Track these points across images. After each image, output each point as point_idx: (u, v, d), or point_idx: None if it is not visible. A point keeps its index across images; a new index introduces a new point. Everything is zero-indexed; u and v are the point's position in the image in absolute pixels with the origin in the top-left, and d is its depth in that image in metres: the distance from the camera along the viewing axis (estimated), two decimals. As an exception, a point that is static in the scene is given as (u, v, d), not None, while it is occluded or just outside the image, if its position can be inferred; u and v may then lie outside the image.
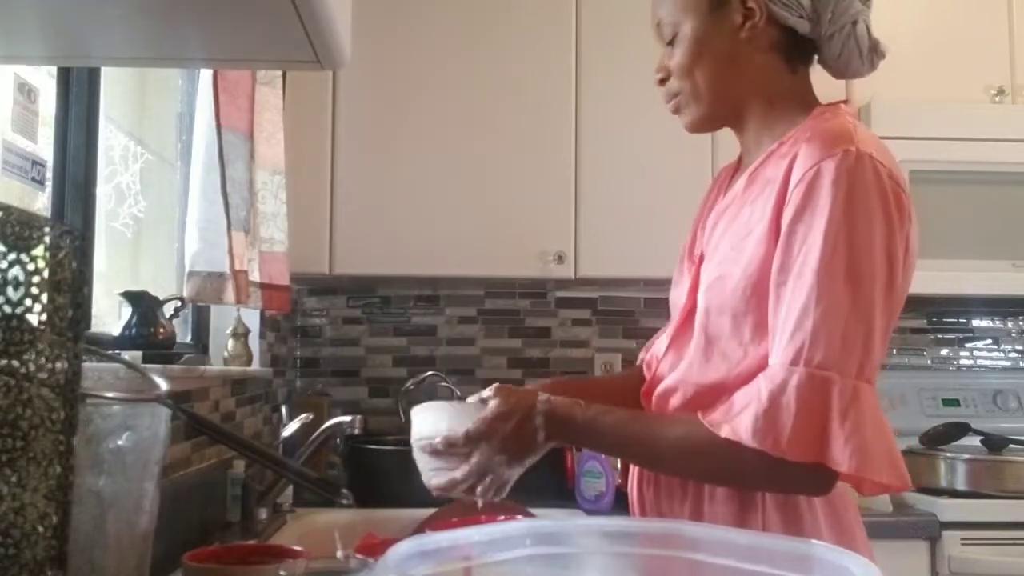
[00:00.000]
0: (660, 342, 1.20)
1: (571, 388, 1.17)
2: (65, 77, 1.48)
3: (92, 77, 1.54)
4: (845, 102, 1.10)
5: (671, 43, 1.13)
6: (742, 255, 1.04)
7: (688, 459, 1.02)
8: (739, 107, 1.13)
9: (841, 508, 1.06)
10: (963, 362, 2.82)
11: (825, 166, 0.96)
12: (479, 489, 1.05)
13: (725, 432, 0.96)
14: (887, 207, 0.96)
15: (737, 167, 1.20)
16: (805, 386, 0.93)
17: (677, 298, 1.19)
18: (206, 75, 1.71)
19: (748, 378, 1.01)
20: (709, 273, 1.09)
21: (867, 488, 0.97)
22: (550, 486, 2.15)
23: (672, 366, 1.13)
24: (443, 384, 2.57)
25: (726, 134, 1.18)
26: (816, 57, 1.13)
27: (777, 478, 0.97)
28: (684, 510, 1.09)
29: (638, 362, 1.31)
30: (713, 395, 1.04)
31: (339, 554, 1.43)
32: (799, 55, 1.11)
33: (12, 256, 0.73)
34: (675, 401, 1.11)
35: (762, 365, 1.00)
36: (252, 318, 2.10)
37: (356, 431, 2.12)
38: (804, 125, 1.06)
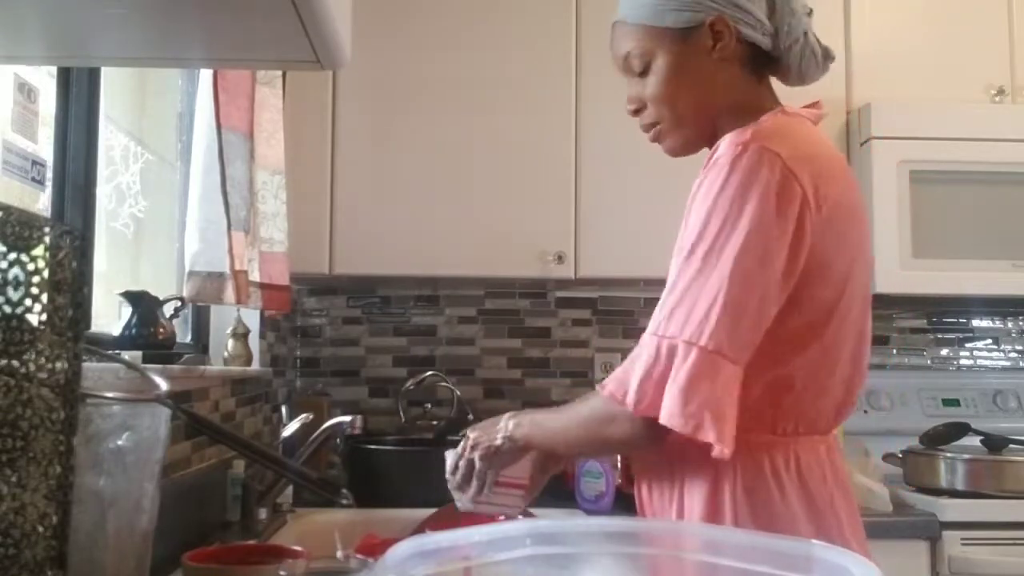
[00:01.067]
0: None
1: None
2: (65, 77, 1.48)
3: (92, 77, 1.53)
4: (814, 105, 1.18)
5: (642, 74, 1.19)
6: (679, 254, 1.10)
7: (585, 423, 1.13)
8: (717, 123, 1.18)
9: (817, 495, 1.07)
10: (963, 362, 2.82)
11: (721, 160, 1.04)
12: (472, 488, 1.25)
13: (606, 388, 1.08)
14: (766, 191, 1.01)
15: None
16: (653, 351, 1.03)
17: None
18: (206, 75, 1.71)
19: None
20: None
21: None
22: (550, 486, 2.14)
23: None
24: (443, 384, 2.57)
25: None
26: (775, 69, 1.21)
27: (620, 429, 1.07)
28: (672, 507, 1.12)
29: None
30: None
31: (339, 554, 1.44)
32: (762, 67, 1.19)
33: (12, 256, 0.73)
34: None
35: None
36: (252, 318, 2.10)
37: (356, 431, 2.12)
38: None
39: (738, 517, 1.05)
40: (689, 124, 1.18)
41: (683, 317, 1.01)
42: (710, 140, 1.18)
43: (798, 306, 1.05)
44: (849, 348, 1.11)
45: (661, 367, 1.01)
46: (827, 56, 1.19)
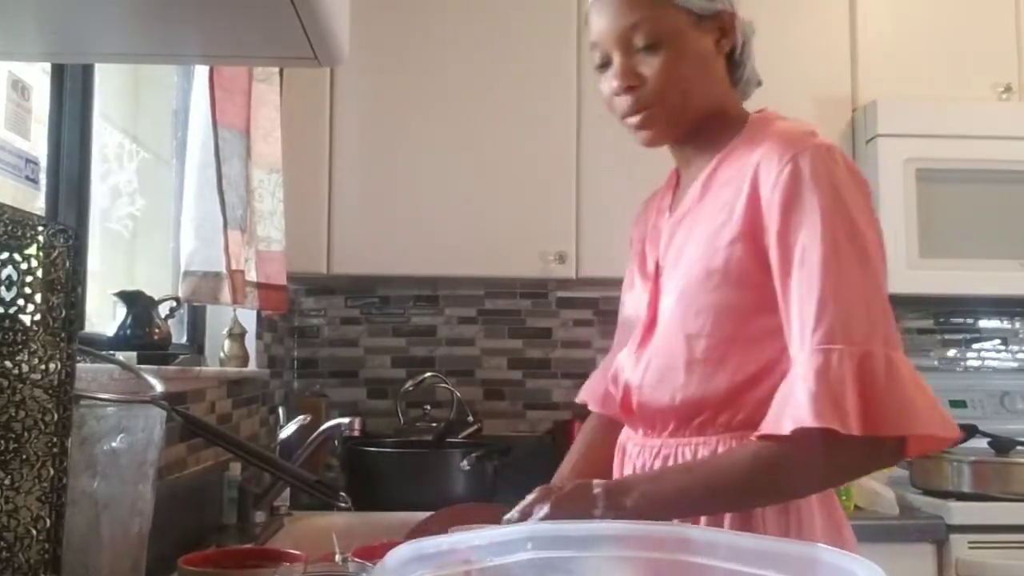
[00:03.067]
0: (622, 358, 1.20)
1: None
2: (59, 74, 1.46)
3: (86, 74, 1.52)
4: (762, 110, 1.17)
5: (645, 49, 1.10)
6: (714, 259, 1.06)
7: (758, 477, 0.98)
8: (703, 117, 1.14)
9: (834, 504, 1.09)
10: (970, 363, 2.80)
11: (801, 161, 1.01)
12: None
13: (787, 426, 0.93)
14: (863, 190, 1.03)
15: (677, 185, 1.23)
16: (849, 363, 0.93)
17: (635, 313, 1.21)
18: (202, 71, 1.69)
19: (745, 377, 1.04)
20: (676, 283, 1.11)
21: (913, 448, 0.97)
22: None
23: (642, 377, 1.13)
24: (442, 385, 2.56)
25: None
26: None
27: (850, 458, 0.95)
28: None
29: (581, 399, 1.38)
30: (704, 402, 1.06)
31: (337, 557, 1.42)
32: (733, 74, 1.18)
33: (5, 255, 0.73)
34: (667, 412, 1.11)
35: (752, 357, 1.04)
36: (249, 318, 2.09)
37: (354, 433, 2.11)
38: (751, 129, 1.11)
39: (765, 513, 1.04)
40: (688, 114, 1.12)
41: (861, 323, 0.95)
42: (688, 134, 1.15)
43: None
44: None
45: (868, 380, 0.92)
46: (759, 84, 1.21)
